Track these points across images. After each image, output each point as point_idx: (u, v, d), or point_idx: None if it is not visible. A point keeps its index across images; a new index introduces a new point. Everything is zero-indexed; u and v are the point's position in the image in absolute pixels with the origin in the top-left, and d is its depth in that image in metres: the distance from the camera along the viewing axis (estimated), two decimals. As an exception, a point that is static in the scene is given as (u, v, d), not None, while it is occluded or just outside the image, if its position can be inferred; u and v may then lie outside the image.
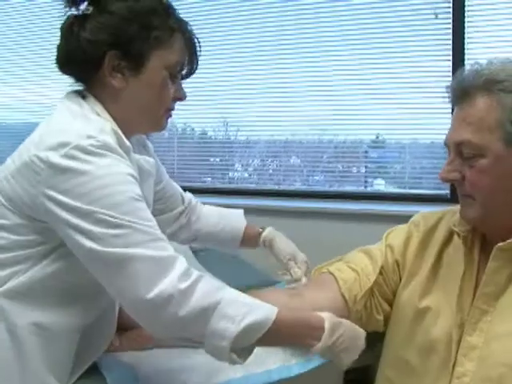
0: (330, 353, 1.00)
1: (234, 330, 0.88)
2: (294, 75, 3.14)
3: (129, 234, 0.89)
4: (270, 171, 3.50)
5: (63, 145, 0.93)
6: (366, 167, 3.28)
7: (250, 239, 1.44)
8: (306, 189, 3.28)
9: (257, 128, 3.38)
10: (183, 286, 0.87)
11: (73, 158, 0.92)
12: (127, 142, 1.03)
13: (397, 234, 1.28)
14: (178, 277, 0.87)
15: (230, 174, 3.57)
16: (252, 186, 3.42)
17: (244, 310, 0.90)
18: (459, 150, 1.06)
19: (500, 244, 1.05)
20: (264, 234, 1.42)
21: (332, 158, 3.31)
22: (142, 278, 0.86)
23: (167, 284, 0.86)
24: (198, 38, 1.12)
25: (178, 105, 1.14)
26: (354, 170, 3.32)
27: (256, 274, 1.93)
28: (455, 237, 1.17)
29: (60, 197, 0.91)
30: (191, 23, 1.12)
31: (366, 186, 3.23)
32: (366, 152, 3.24)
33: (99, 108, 1.04)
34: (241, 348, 0.91)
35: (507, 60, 1.06)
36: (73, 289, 1.00)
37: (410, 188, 3.00)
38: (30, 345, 0.96)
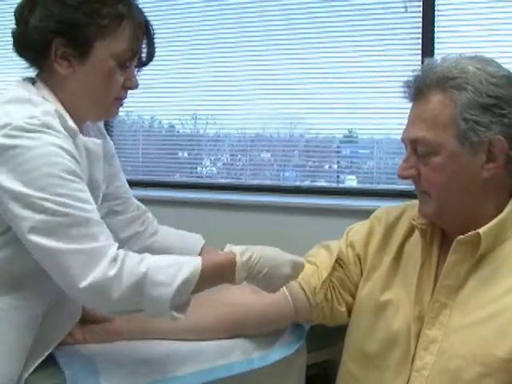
0: (254, 281, 1.08)
1: (169, 292, 0.97)
2: (265, 68, 3.18)
3: (60, 222, 0.94)
4: (240, 166, 3.54)
5: (4, 126, 0.97)
6: (338, 163, 3.35)
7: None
8: (276, 183, 3.32)
9: (227, 122, 3.41)
10: (112, 272, 0.94)
11: (12, 136, 0.97)
12: (72, 125, 1.06)
13: (358, 229, 1.32)
14: (107, 264, 0.94)
15: (199, 168, 3.59)
16: (221, 181, 3.45)
17: (172, 271, 0.98)
18: (414, 147, 1.09)
19: (460, 237, 1.08)
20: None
21: (303, 154, 3.37)
22: (75, 270, 0.93)
23: (98, 273, 0.93)
24: (151, 25, 1.15)
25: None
26: (326, 166, 3.39)
27: None
28: (416, 230, 1.20)
29: None
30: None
31: (338, 182, 3.29)
32: (339, 147, 3.30)
33: (46, 93, 1.08)
34: (178, 304, 1.00)
35: (462, 57, 1.08)
36: (23, 274, 1.04)
37: (383, 184, 3.06)
38: None
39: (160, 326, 1.17)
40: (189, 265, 1.00)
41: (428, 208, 1.12)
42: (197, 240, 1.45)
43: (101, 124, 1.30)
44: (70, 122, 1.06)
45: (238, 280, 1.06)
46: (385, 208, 1.34)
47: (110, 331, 1.16)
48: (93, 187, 1.11)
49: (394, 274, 1.21)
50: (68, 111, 1.08)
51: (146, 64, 1.18)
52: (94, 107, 1.13)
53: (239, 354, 1.18)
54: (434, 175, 1.08)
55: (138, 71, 1.17)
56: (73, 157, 1.00)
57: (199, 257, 1.05)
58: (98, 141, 1.14)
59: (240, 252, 1.06)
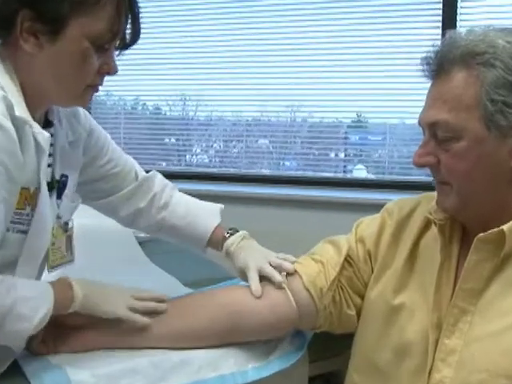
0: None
1: (29, 328, 1.02)
2: (264, 45, 3.18)
3: None
4: (235, 154, 3.54)
5: None
6: (345, 151, 3.35)
7: (217, 244, 1.44)
8: (275, 173, 3.33)
9: (220, 104, 3.41)
10: None
11: None
12: (21, 114, 1.04)
13: (368, 224, 1.31)
14: None
15: (188, 157, 3.59)
16: (213, 170, 3.45)
17: (34, 305, 1.02)
18: (433, 132, 1.08)
19: (481, 235, 1.06)
20: (228, 241, 1.40)
21: (306, 141, 3.36)
22: None
23: None
24: (136, 2, 1.12)
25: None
26: (332, 154, 3.39)
27: (206, 268, 1.98)
28: (433, 226, 1.19)
29: None
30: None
31: (345, 173, 3.29)
32: (346, 134, 3.30)
33: (2, 72, 1.06)
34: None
35: (490, 29, 1.05)
36: None
37: (396, 175, 3.07)
38: None
39: (145, 332, 1.17)
40: (47, 299, 1.04)
41: (448, 201, 1.12)
42: (210, 216, 1.46)
43: (77, 107, 1.29)
44: (19, 112, 1.03)
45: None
46: (397, 201, 1.33)
47: (85, 338, 1.15)
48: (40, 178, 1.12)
49: (408, 274, 1.21)
50: (30, 94, 1.07)
51: (129, 46, 1.15)
52: (63, 93, 1.12)
53: (232, 365, 1.17)
54: (455, 163, 1.07)
55: (119, 53, 1.15)
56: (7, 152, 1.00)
57: (52, 291, 1.06)
58: (47, 134, 1.12)
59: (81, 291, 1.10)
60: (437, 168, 1.11)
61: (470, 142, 1.05)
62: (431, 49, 1.10)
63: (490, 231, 1.07)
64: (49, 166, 1.18)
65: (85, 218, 1.81)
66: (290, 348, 1.27)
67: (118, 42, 1.12)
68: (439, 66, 1.08)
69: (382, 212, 1.32)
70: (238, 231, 1.41)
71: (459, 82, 1.05)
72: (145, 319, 1.15)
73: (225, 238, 1.40)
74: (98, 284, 1.15)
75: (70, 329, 1.15)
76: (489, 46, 1.03)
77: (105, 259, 1.95)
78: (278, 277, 1.24)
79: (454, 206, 1.11)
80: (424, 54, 1.11)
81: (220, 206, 1.50)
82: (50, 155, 1.17)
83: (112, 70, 1.13)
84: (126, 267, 1.96)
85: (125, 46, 1.15)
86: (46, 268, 1.24)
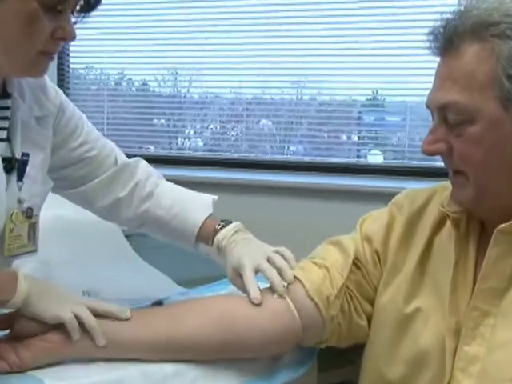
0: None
1: None
2: (267, 12, 3.16)
3: None
4: (233, 137, 3.53)
5: None
6: (359, 134, 3.34)
7: (207, 238, 1.42)
8: (279, 159, 3.32)
9: (216, 80, 3.40)
10: None
11: None
12: None
13: (375, 220, 1.30)
14: None
15: (180, 140, 3.59)
16: (208, 155, 3.46)
17: None
18: (444, 115, 1.07)
19: (501, 226, 1.06)
20: (219, 235, 1.38)
21: (314, 122, 3.35)
22: None
23: None
24: None
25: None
26: (344, 137, 3.39)
27: (201, 264, 1.99)
28: (449, 221, 1.18)
29: None
30: None
31: (358, 158, 3.28)
32: (360, 114, 3.29)
33: None
34: None
35: None
36: None
37: (417, 161, 3.07)
38: None
39: (123, 339, 1.16)
40: None
41: (464, 193, 1.11)
42: (200, 208, 1.44)
43: (46, 80, 1.30)
44: None
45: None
46: (407, 192, 1.32)
47: (53, 343, 1.14)
48: None
49: (421, 277, 1.20)
50: None
51: (92, 8, 1.14)
52: (11, 61, 1.11)
53: (233, 377, 1.17)
54: (469, 150, 1.06)
55: (83, 17, 1.14)
56: None
57: None
58: None
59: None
60: (449, 156, 1.10)
61: (485, 126, 1.04)
62: (438, 20, 1.09)
63: (511, 221, 1.06)
64: (3, 140, 1.18)
65: (64, 209, 1.82)
66: (298, 357, 1.27)
67: (77, 5, 1.11)
68: (447, 41, 1.07)
69: (390, 205, 1.31)
70: (231, 223, 1.40)
71: (471, 58, 1.04)
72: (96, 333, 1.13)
73: (215, 231, 1.39)
74: (49, 283, 1.16)
75: (31, 336, 1.14)
76: (504, 15, 1.02)
77: (89, 254, 1.96)
78: (278, 281, 1.21)
79: (470, 198, 1.11)
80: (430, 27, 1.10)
81: (213, 196, 1.48)
82: (4, 129, 1.18)
83: (68, 36, 1.11)
84: (114, 263, 1.97)
85: (87, 9, 1.13)
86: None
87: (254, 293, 1.20)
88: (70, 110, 1.36)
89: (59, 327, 1.12)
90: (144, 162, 1.49)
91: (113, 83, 3.71)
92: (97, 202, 1.42)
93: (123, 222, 1.51)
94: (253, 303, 1.19)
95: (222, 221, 1.40)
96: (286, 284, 1.22)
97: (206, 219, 1.43)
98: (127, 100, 3.71)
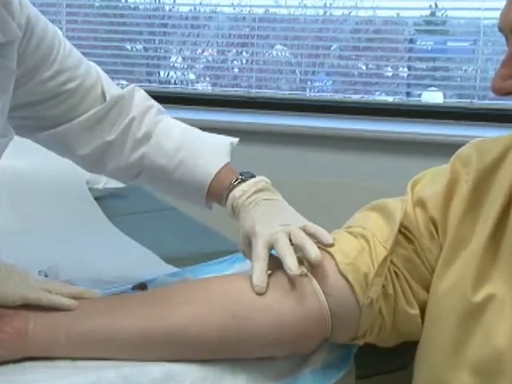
0: None
1: None
2: None
3: None
4: (236, 69, 3.55)
5: None
6: (409, 65, 3.36)
7: (220, 196, 1.43)
8: (300, 97, 3.35)
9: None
10: None
11: None
12: None
13: (431, 180, 1.30)
14: None
15: (163, 72, 3.62)
16: (203, 91, 3.49)
17: None
18: None
19: None
20: (235, 192, 1.39)
21: (347, 48, 3.36)
22: None
23: None
24: None
25: None
26: (389, 70, 3.40)
27: (193, 237, 2.02)
28: None
29: None
30: None
31: (409, 97, 3.30)
32: (413, 38, 3.30)
33: None
34: None
35: None
36: None
37: (492, 101, 3.08)
38: None
39: (93, 333, 1.18)
40: None
41: None
42: (208, 166, 1.44)
43: None
44: None
45: None
46: (476, 142, 1.31)
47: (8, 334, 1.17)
48: None
49: (494, 255, 1.19)
50: None
51: None
52: None
53: (242, 383, 1.19)
54: None
55: None
56: None
57: None
58: None
59: None
60: None
61: None
62: None
63: None
64: None
65: (17, 160, 1.83)
66: (329, 359, 1.27)
67: None
68: None
69: (453, 161, 1.31)
70: (253, 177, 1.39)
71: None
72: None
73: (231, 187, 1.40)
74: None
75: None
76: None
77: (48, 220, 2.00)
78: (292, 264, 1.18)
79: None
80: None
81: (232, 139, 1.48)
82: None
83: None
84: (80, 233, 2.00)
85: None
86: None
87: (258, 275, 1.20)
88: (40, 27, 1.34)
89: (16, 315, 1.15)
90: (141, 92, 1.51)
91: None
92: (78, 148, 1.44)
93: (113, 173, 1.53)
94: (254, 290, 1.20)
95: (241, 173, 1.40)
96: (306, 264, 1.21)
97: (221, 169, 1.43)
98: (91, 15, 3.69)
